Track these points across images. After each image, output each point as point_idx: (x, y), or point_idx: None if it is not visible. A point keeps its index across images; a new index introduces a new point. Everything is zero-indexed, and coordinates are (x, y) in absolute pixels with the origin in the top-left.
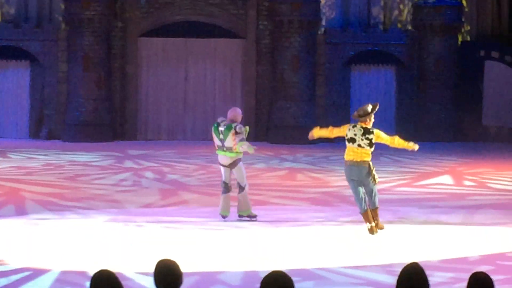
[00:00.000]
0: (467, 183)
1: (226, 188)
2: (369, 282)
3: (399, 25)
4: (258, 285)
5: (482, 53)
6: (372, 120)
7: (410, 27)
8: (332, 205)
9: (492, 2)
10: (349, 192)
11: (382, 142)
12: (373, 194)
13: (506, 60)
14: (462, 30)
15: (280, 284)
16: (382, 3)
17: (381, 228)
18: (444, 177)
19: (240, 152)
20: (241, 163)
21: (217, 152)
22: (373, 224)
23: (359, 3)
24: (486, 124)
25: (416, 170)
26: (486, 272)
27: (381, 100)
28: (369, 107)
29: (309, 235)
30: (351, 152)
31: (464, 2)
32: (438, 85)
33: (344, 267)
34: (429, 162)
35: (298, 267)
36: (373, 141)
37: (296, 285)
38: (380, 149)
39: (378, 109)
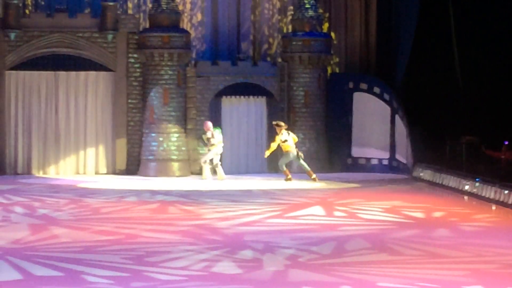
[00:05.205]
0: (337, 213)
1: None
2: None
3: (268, 58)
4: None
5: (351, 85)
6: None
7: (279, 60)
8: (203, 238)
9: (360, 35)
10: (219, 224)
11: None
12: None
13: (375, 92)
14: (331, 62)
15: None
16: (251, 37)
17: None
18: (315, 208)
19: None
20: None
21: None
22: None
23: (228, 36)
24: (355, 155)
25: (287, 202)
26: None
27: (253, 132)
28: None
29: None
30: None
31: (332, 35)
32: (308, 117)
33: None
34: (300, 193)
35: None
36: None
37: None
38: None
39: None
